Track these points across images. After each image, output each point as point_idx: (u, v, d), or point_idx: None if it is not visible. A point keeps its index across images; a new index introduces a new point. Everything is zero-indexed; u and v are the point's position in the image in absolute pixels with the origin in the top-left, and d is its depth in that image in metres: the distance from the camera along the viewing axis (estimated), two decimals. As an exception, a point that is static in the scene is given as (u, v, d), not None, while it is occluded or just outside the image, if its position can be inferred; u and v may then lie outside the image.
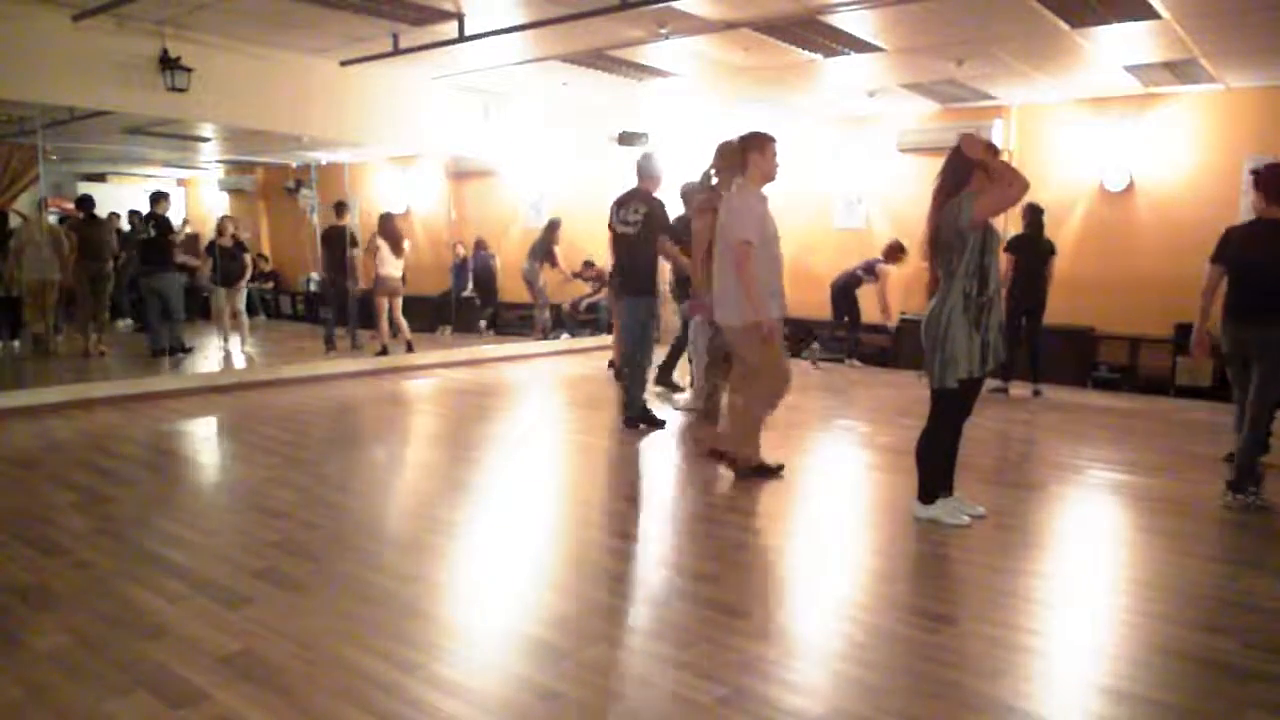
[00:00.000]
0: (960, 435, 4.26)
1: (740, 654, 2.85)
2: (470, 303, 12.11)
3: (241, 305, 10.25)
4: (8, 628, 3.02)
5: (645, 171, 6.23)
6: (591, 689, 2.62)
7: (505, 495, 4.95)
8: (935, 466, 4.19)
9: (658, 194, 6.21)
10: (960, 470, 4.35)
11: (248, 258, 10.31)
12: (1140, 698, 2.62)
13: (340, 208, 10.12)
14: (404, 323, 9.76)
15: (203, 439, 6.28)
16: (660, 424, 6.35)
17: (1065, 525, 4.51)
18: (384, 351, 9.55)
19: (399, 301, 9.70)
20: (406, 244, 9.79)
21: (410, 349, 9.68)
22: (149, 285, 9.18)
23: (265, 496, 4.74)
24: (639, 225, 6.02)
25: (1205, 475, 5.18)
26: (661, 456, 5.87)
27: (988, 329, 3.96)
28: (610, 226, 6.28)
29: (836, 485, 5.23)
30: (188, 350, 9.48)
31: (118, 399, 7.10)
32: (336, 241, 10.01)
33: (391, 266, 9.55)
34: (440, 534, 4.18)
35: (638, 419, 6.32)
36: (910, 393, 7.50)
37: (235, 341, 10.21)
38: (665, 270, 9.71)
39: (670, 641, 3.01)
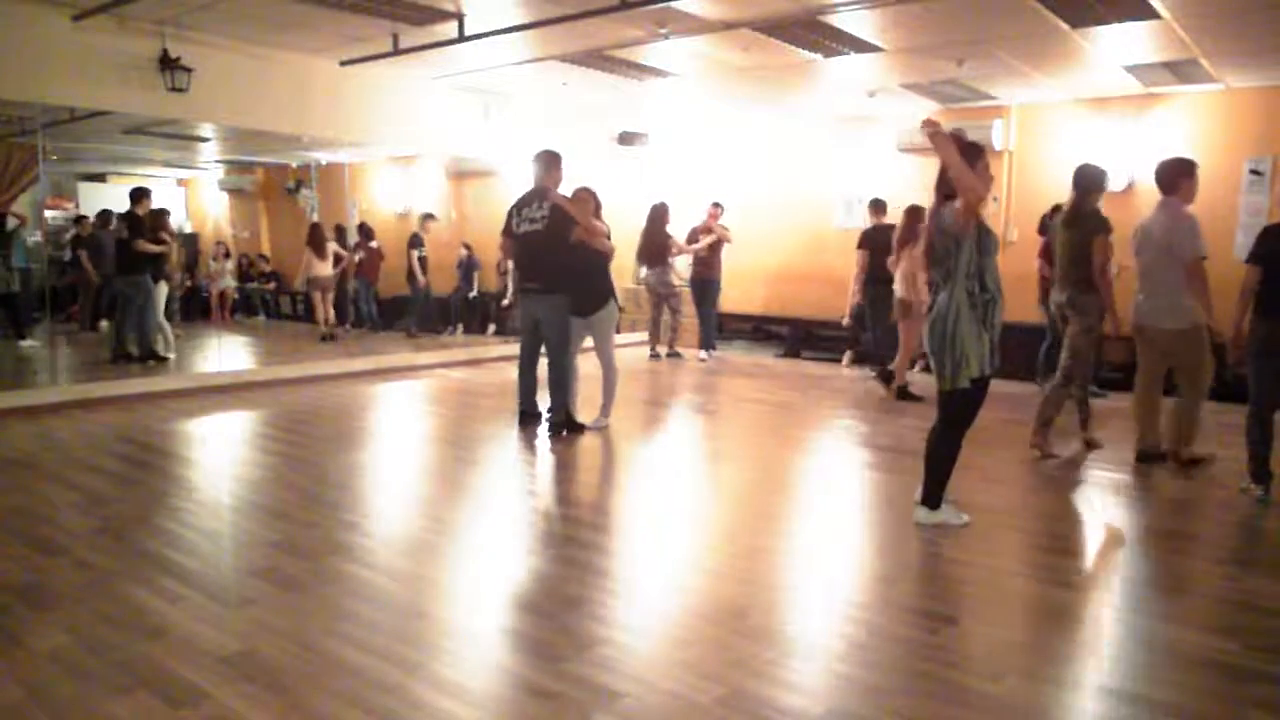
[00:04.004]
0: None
1: (740, 654, 2.85)
2: (474, 304, 12.15)
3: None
4: (8, 628, 3.01)
5: (544, 169, 6.00)
6: (591, 689, 2.62)
7: (504, 495, 4.95)
8: (945, 471, 4.14)
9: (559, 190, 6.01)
10: (960, 470, 4.34)
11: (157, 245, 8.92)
12: (1141, 698, 2.62)
13: (426, 219, 11.72)
14: (332, 315, 11.48)
15: (202, 439, 6.27)
16: (581, 429, 6.11)
17: (1065, 526, 4.51)
18: (331, 338, 11.21)
19: (330, 296, 11.45)
20: (331, 248, 11.38)
21: (327, 339, 11.09)
22: (119, 288, 8.83)
23: (265, 496, 4.75)
24: (545, 222, 5.85)
25: (1205, 475, 5.18)
26: (657, 456, 5.87)
27: (993, 327, 3.96)
28: (509, 230, 6.05)
29: (836, 485, 5.23)
30: (162, 359, 8.81)
31: (118, 399, 7.10)
32: (410, 246, 11.44)
33: (318, 268, 11.25)
34: (440, 534, 4.18)
35: (564, 425, 6.06)
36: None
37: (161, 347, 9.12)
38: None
39: (670, 641, 3.01)
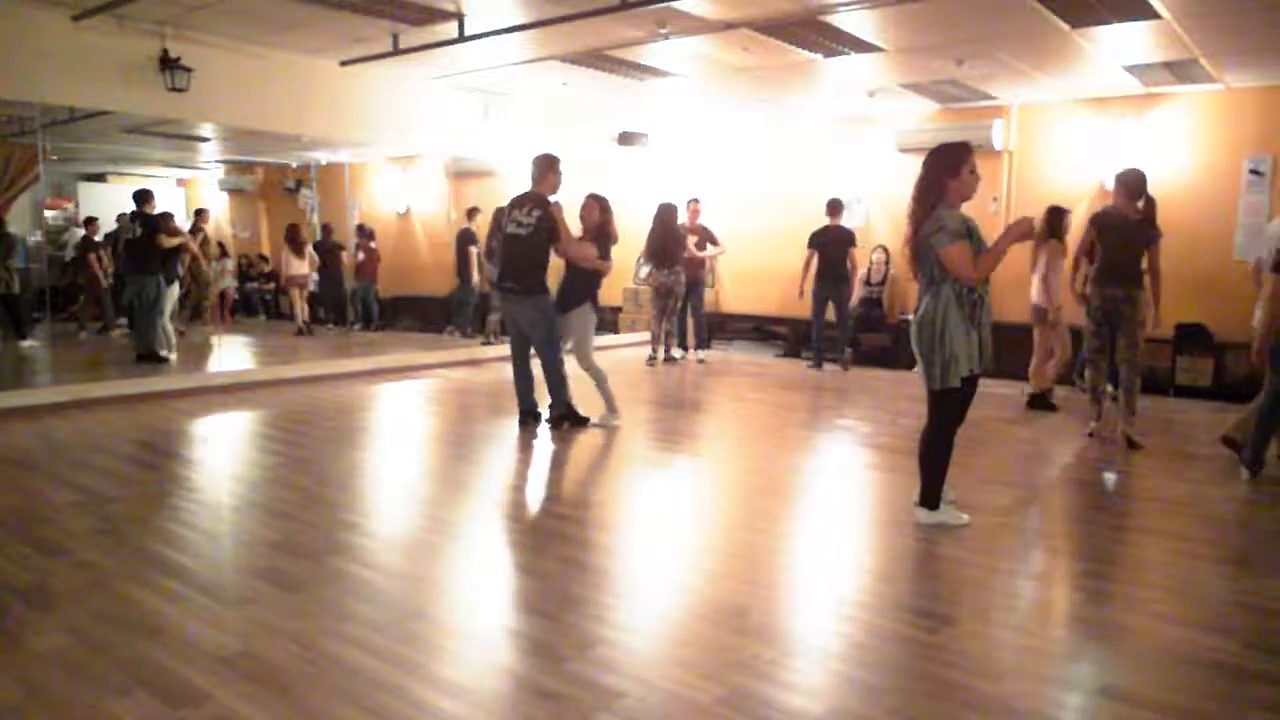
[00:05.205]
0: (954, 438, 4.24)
1: (740, 654, 2.85)
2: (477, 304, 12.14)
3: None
4: (8, 628, 3.01)
5: (540, 173, 6.04)
6: (591, 689, 2.62)
7: (504, 495, 4.95)
8: (940, 470, 4.14)
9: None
10: (960, 470, 4.34)
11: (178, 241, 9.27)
12: (1141, 698, 2.61)
13: (471, 212, 11.22)
14: (306, 311, 11.93)
15: (202, 439, 6.28)
16: (584, 421, 6.23)
17: (1065, 525, 4.51)
18: (304, 332, 11.76)
19: (305, 293, 12.02)
20: (309, 248, 11.91)
21: (308, 333, 11.75)
22: (132, 288, 8.96)
23: (265, 496, 4.75)
24: (532, 228, 5.91)
25: (1205, 475, 5.19)
26: (657, 456, 5.87)
27: (982, 325, 3.98)
28: (499, 227, 6.10)
29: (836, 485, 5.23)
30: (161, 359, 8.86)
31: (118, 399, 7.10)
32: (465, 242, 11.20)
33: (296, 266, 11.83)
34: (440, 534, 4.18)
35: (563, 418, 6.20)
36: (908, 390, 7.50)
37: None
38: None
39: (670, 641, 3.01)
